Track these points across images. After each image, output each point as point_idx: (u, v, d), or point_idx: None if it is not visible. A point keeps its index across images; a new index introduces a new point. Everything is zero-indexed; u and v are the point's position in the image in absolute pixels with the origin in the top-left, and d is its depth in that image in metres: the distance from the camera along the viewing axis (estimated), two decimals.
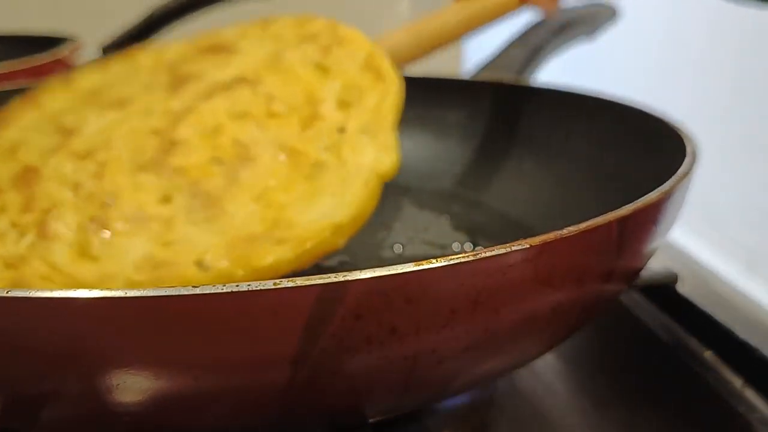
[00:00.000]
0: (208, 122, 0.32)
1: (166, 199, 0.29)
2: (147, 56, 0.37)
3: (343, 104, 0.33)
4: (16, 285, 0.26)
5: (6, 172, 0.31)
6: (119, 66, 0.37)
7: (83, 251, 0.28)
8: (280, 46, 0.36)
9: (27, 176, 0.31)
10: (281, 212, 0.29)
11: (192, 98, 0.33)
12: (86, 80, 0.37)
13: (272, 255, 0.27)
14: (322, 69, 0.34)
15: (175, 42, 0.38)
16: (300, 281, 0.18)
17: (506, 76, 0.45)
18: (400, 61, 0.39)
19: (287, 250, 0.27)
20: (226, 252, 0.27)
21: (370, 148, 0.32)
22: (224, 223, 0.28)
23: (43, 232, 0.28)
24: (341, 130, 0.32)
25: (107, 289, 0.18)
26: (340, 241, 0.29)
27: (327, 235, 0.28)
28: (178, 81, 0.34)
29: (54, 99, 0.36)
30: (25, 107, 0.35)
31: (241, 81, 0.34)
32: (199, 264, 0.27)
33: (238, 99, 0.33)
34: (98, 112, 0.33)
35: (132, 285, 0.26)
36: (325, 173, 0.30)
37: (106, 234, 0.28)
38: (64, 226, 0.28)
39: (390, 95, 0.34)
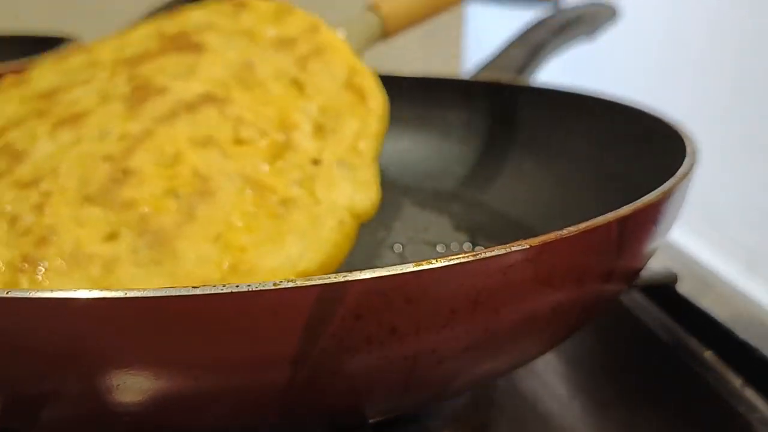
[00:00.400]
0: (166, 149, 0.28)
1: (111, 237, 0.26)
2: (108, 50, 0.34)
3: (320, 130, 0.30)
4: None
5: None
6: (78, 60, 0.34)
7: None
8: (253, 52, 0.32)
9: None
10: (241, 255, 0.26)
11: (152, 120, 0.29)
12: (43, 79, 0.33)
13: None
14: (298, 85, 0.31)
15: (139, 27, 0.35)
16: (300, 281, 0.18)
17: (506, 76, 0.45)
18: (401, 24, 0.37)
19: None
20: None
21: (347, 183, 0.29)
22: (174, 266, 0.25)
23: None
24: (315, 161, 0.29)
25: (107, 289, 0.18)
26: None
27: None
28: (138, 93, 0.30)
29: (7, 101, 0.32)
30: None
31: (207, 99, 0.30)
32: None
33: (203, 122, 0.29)
34: (50, 132, 0.30)
35: None
36: (293, 211, 0.27)
37: (38, 275, 0.25)
38: None
39: (372, 122, 0.31)
